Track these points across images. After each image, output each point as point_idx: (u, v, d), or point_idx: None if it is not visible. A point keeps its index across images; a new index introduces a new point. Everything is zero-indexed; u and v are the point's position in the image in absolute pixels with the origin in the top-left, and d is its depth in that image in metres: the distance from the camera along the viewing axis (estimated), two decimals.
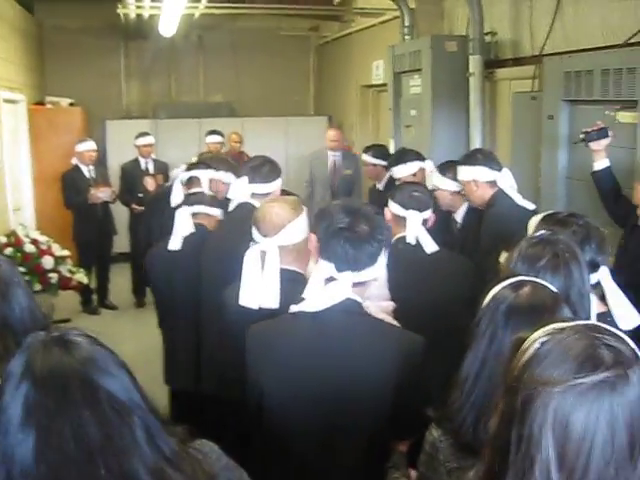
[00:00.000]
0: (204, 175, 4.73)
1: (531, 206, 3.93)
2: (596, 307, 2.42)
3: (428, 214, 3.51)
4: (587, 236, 2.59)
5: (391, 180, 5.40)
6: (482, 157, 4.13)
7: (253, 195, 3.64)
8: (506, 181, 4.06)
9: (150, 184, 7.64)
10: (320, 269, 2.24)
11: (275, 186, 3.71)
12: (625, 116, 4.37)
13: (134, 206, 7.91)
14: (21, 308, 2.11)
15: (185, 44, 11.80)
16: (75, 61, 11.11)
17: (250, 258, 2.67)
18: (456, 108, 6.52)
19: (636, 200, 3.80)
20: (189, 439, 1.53)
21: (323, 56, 12.27)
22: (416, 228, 3.42)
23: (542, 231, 2.40)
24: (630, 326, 2.57)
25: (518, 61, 6.26)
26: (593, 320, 2.21)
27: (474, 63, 6.31)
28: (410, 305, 3.11)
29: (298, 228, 2.69)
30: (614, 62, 4.37)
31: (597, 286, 2.64)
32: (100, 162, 8.58)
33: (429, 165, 5.01)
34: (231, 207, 3.75)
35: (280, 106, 11.69)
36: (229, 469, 1.60)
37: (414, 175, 4.97)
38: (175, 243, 4.08)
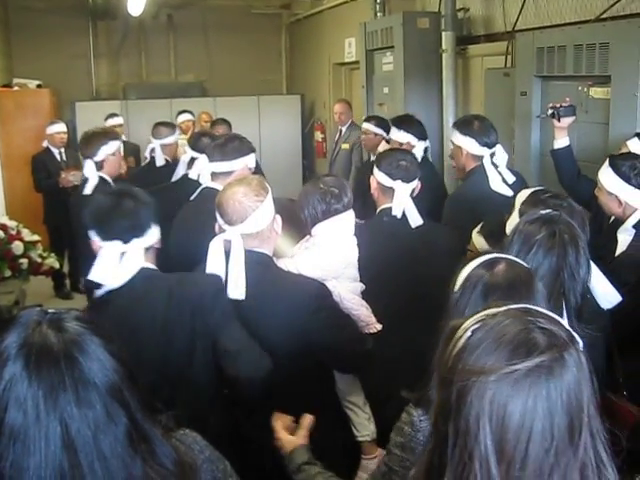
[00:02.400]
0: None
1: (508, 192, 3.82)
2: None
3: (415, 183, 3.42)
4: (570, 217, 2.57)
5: None
6: (477, 128, 4.02)
7: (213, 174, 3.52)
8: (496, 158, 3.98)
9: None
10: None
11: (238, 165, 3.54)
12: (598, 92, 4.36)
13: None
14: None
15: (155, 23, 11.65)
16: (43, 42, 10.90)
17: (214, 248, 2.58)
18: (429, 85, 6.49)
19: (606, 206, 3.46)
20: (174, 428, 1.52)
21: (295, 34, 12.15)
22: (404, 200, 3.34)
23: (548, 210, 2.38)
24: (610, 304, 2.56)
25: (490, 37, 6.23)
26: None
27: (446, 40, 6.27)
28: (392, 280, 3.10)
29: (263, 215, 2.60)
30: (586, 37, 4.34)
31: None
32: (70, 144, 8.44)
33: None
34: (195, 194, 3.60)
35: (252, 85, 11.57)
36: (212, 461, 1.58)
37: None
38: None
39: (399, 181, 3.36)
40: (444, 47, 6.28)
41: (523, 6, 5.58)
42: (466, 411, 1.11)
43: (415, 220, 3.34)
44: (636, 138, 3.66)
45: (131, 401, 1.32)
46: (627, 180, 3.26)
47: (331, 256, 2.94)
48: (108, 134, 4.89)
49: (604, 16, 4.66)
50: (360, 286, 3.03)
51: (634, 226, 3.26)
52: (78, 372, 1.27)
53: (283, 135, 11.10)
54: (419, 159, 4.75)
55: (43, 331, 1.29)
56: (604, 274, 2.74)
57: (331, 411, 2.82)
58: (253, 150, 3.68)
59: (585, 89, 4.48)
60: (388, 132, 5.53)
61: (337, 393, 2.97)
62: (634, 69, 3.96)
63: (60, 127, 7.79)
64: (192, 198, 3.59)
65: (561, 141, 4.05)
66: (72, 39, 11.32)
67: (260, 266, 2.57)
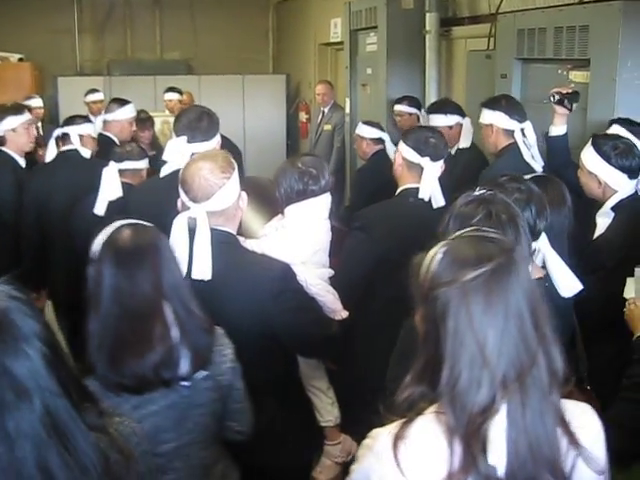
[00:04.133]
0: (74, 131, 4.48)
1: (538, 167, 3.82)
2: (534, 273, 2.35)
3: (441, 163, 3.30)
4: (528, 202, 2.49)
5: None
6: (505, 103, 3.98)
7: (193, 155, 3.30)
8: (526, 133, 3.92)
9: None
10: None
11: (216, 141, 3.40)
12: (577, 75, 4.31)
13: None
14: None
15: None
16: (26, 16, 10.77)
17: (178, 225, 2.47)
18: (412, 66, 6.42)
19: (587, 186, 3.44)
20: (111, 417, 1.47)
21: (282, 14, 12.04)
22: (432, 181, 3.19)
23: (482, 190, 2.32)
24: (570, 293, 2.53)
25: (474, 19, 6.17)
26: None
27: (430, 21, 6.20)
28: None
29: (229, 192, 2.50)
30: (567, 20, 4.28)
31: (536, 253, 2.60)
32: (53, 120, 8.34)
33: (467, 122, 4.75)
34: (165, 172, 3.40)
35: (238, 64, 11.47)
36: (148, 452, 1.57)
37: (450, 129, 4.70)
38: (100, 207, 3.85)
39: (427, 158, 3.22)
40: (428, 28, 6.21)
41: None
42: (451, 316, 1.38)
43: (438, 201, 3.21)
44: (615, 125, 3.62)
45: (46, 389, 1.25)
46: (608, 160, 3.23)
47: (301, 241, 2.87)
48: (8, 109, 4.75)
49: None
50: (328, 272, 2.97)
51: (612, 208, 3.23)
52: None
53: (268, 115, 11.01)
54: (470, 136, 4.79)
55: None
56: (581, 257, 2.73)
57: (294, 395, 2.78)
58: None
59: (565, 72, 4.44)
60: (420, 110, 5.70)
61: (301, 377, 2.93)
62: (613, 53, 3.91)
63: (36, 102, 7.56)
64: (163, 174, 3.43)
65: (559, 128, 3.90)
66: (56, 13, 11.22)
67: (224, 245, 2.49)
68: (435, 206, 3.18)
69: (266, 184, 3.13)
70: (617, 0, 3.92)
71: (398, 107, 5.90)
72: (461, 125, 4.85)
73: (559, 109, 3.86)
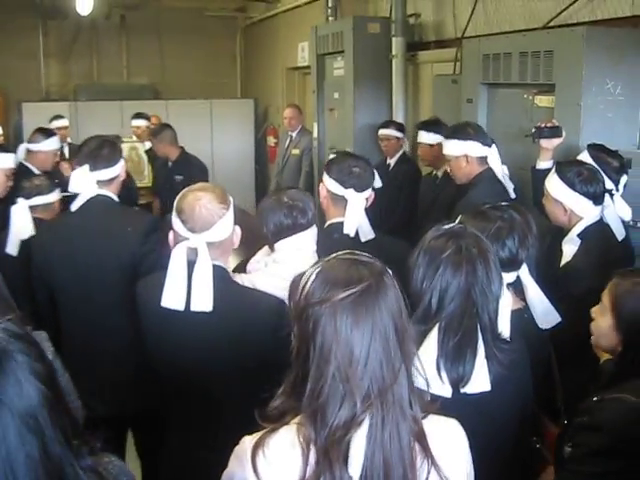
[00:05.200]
0: None
1: (511, 190, 3.77)
2: (512, 303, 2.31)
3: (368, 193, 3.19)
4: (511, 231, 2.47)
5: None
6: (473, 131, 3.92)
7: (98, 182, 3.24)
8: (495, 159, 3.88)
9: (66, 169, 7.31)
10: None
11: (120, 168, 3.33)
12: (543, 100, 4.33)
13: None
14: None
15: (107, 24, 11.50)
16: None
17: (177, 256, 2.39)
18: (379, 91, 6.44)
19: (552, 214, 3.39)
20: (99, 455, 1.43)
21: (250, 37, 12.05)
22: (357, 213, 3.10)
23: (452, 224, 2.28)
24: (549, 325, 2.50)
25: (440, 44, 6.21)
26: (506, 318, 2.15)
27: (397, 45, 6.24)
28: None
29: (228, 223, 2.45)
30: (532, 45, 4.29)
31: (517, 282, 2.57)
32: (15, 147, 8.20)
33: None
34: (78, 202, 3.27)
35: (206, 88, 11.43)
36: None
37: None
38: (12, 247, 3.73)
39: (351, 190, 3.12)
40: (394, 52, 6.24)
41: (472, 13, 5.55)
42: (319, 333, 1.45)
43: (366, 233, 3.12)
44: (586, 152, 3.61)
45: (46, 430, 1.22)
46: (572, 186, 3.20)
47: (293, 275, 2.82)
48: None
49: (552, 24, 4.64)
50: None
51: (579, 235, 3.21)
52: None
53: (236, 139, 10.98)
54: None
55: None
56: (548, 285, 2.69)
57: None
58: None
59: (530, 97, 4.45)
60: (404, 134, 5.77)
61: None
62: (577, 78, 3.92)
63: None
64: (75, 208, 3.29)
65: (545, 163, 3.85)
66: (21, 37, 11.12)
67: (219, 279, 2.41)
68: (363, 239, 3.10)
69: (239, 215, 3.06)
70: (580, 25, 3.93)
71: (385, 131, 5.85)
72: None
73: (543, 143, 3.85)
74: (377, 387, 1.45)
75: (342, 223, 3.13)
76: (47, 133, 5.54)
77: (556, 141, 3.84)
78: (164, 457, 2.65)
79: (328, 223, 3.23)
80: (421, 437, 1.51)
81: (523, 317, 2.50)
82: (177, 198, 2.48)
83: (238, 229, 2.53)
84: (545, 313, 2.55)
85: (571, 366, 2.88)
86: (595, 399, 2.13)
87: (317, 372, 1.46)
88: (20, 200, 3.86)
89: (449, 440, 1.59)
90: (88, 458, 1.35)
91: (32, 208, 3.86)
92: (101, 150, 3.28)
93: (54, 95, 11.50)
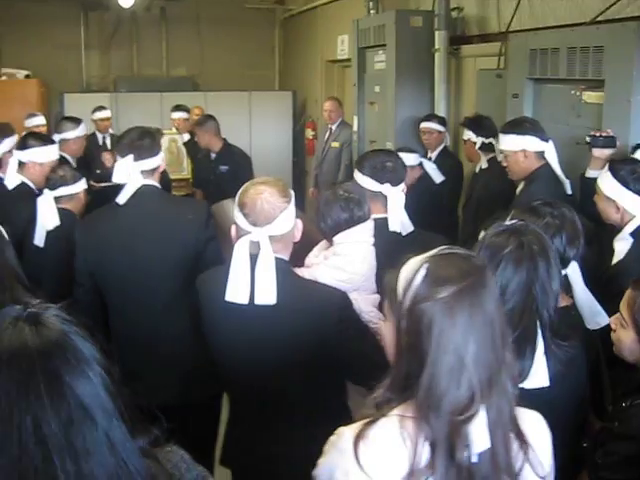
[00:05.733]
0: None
1: (569, 190, 3.74)
2: (560, 301, 2.31)
3: (403, 186, 3.23)
4: (560, 228, 2.46)
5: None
6: (530, 125, 3.90)
7: (142, 172, 3.25)
8: (552, 154, 3.86)
9: (108, 160, 7.39)
10: None
11: (161, 158, 3.35)
12: (591, 96, 4.27)
13: (92, 183, 7.67)
14: None
15: (148, 16, 11.56)
16: (32, 32, 10.79)
17: (240, 249, 2.41)
18: (420, 84, 6.40)
19: (604, 213, 3.37)
20: (161, 445, 1.47)
21: (288, 30, 12.05)
22: (399, 207, 3.11)
23: (514, 220, 2.28)
24: (597, 326, 2.48)
25: (484, 38, 6.14)
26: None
27: (439, 39, 6.19)
28: None
29: (289, 217, 2.46)
30: (580, 40, 4.25)
31: (565, 281, 2.55)
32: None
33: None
34: (127, 194, 3.26)
35: (244, 80, 11.45)
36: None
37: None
38: (39, 238, 3.77)
39: (387, 184, 3.15)
40: (437, 46, 6.20)
41: (517, 7, 5.49)
42: (437, 325, 1.48)
43: (406, 227, 3.13)
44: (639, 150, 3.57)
45: (105, 415, 1.26)
46: (625, 185, 3.18)
47: (353, 267, 2.83)
48: (4, 131, 4.66)
49: (599, 19, 4.58)
50: (378, 298, 2.91)
51: (631, 234, 3.18)
52: (54, 378, 1.21)
53: (274, 132, 10.98)
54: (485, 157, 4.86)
55: (19, 330, 1.24)
56: (599, 284, 2.66)
57: (344, 423, 2.73)
58: None
59: (578, 93, 4.39)
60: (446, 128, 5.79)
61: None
62: (628, 74, 3.87)
63: (38, 120, 7.47)
64: (125, 199, 3.27)
65: (595, 172, 3.74)
66: (63, 29, 11.22)
67: (281, 272, 2.42)
68: (404, 233, 3.13)
69: None
70: (632, 21, 3.88)
71: (427, 124, 5.86)
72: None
73: (596, 152, 3.79)
74: (489, 375, 1.50)
75: (382, 219, 3.14)
76: (75, 120, 5.63)
77: (608, 151, 3.77)
78: (228, 449, 2.69)
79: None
80: (516, 425, 1.57)
81: (570, 314, 2.48)
82: (239, 192, 2.49)
83: (300, 222, 2.54)
84: (593, 314, 2.53)
85: (621, 366, 2.86)
86: (625, 404, 2.12)
87: (434, 365, 1.48)
88: (45, 191, 3.91)
89: (537, 432, 1.64)
90: (147, 445, 1.38)
91: (57, 199, 3.89)
92: (143, 140, 3.31)
93: (94, 86, 11.60)
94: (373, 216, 3.17)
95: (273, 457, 2.51)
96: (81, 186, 4.06)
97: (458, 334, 1.48)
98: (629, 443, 2.00)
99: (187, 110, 8.47)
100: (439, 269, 1.53)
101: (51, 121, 8.26)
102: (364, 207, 2.91)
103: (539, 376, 2.04)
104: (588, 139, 3.81)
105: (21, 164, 4.28)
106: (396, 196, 3.14)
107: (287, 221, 2.45)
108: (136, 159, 3.24)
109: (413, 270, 1.54)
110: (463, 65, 6.51)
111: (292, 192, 2.53)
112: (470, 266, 1.56)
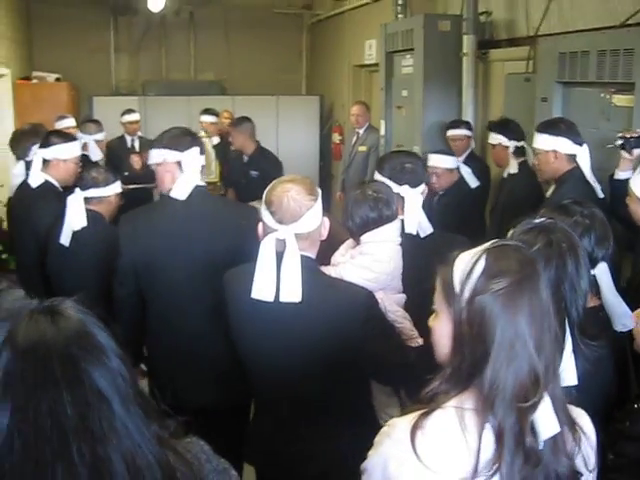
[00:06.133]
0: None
1: (600, 193, 3.71)
2: (588, 301, 2.30)
3: (422, 188, 3.19)
4: (589, 228, 2.45)
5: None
6: (565, 127, 3.89)
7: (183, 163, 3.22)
8: (585, 158, 3.83)
9: (136, 162, 7.46)
10: None
11: (204, 159, 3.33)
12: (621, 99, 4.24)
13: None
14: None
15: (176, 20, 11.66)
16: (63, 35, 10.93)
17: (266, 247, 2.42)
18: (448, 89, 6.38)
19: (637, 214, 3.32)
20: (180, 436, 1.49)
21: (316, 35, 12.09)
22: (416, 210, 3.09)
23: (542, 218, 2.27)
24: (624, 328, 2.46)
25: (513, 42, 6.12)
26: None
27: (468, 43, 6.17)
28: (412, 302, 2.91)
29: (315, 215, 2.45)
30: (611, 43, 4.22)
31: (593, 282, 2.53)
32: None
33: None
34: (184, 190, 3.22)
35: (272, 85, 11.50)
36: (219, 472, 1.53)
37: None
38: (65, 237, 3.74)
39: (406, 186, 3.11)
40: (465, 50, 6.18)
41: (546, 11, 5.46)
42: (499, 316, 1.50)
43: (425, 229, 3.11)
44: None
45: (127, 399, 1.28)
46: None
47: (380, 266, 2.83)
48: (39, 133, 4.68)
49: (630, 22, 4.55)
50: (403, 297, 2.91)
51: None
52: (73, 370, 1.23)
53: (301, 136, 11.03)
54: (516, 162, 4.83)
55: (38, 323, 1.25)
56: (630, 287, 2.64)
57: (369, 423, 2.73)
58: None
59: (608, 96, 4.37)
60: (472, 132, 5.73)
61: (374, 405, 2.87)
62: None
63: (68, 122, 7.50)
64: (184, 195, 3.22)
65: (625, 173, 3.75)
66: (93, 33, 11.36)
67: (308, 270, 2.44)
68: (422, 235, 3.10)
69: None
70: None
71: (455, 132, 5.84)
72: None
73: (624, 154, 3.76)
74: (550, 362, 1.55)
75: (401, 221, 3.09)
76: (97, 123, 5.74)
77: (638, 151, 3.73)
78: (252, 446, 2.70)
79: None
80: (570, 416, 1.62)
81: (598, 315, 2.47)
82: (266, 190, 2.50)
83: (327, 221, 2.54)
84: (620, 316, 2.51)
85: None
86: (637, 405, 2.11)
87: (498, 354, 1.50)
88: (76, 190, 3.89)
89: (585, 426, 1.67)
90: (165, 436, 1.39)
91: (87, 200, 3.87)
92: (183, 137, 3.29)
93: (123, 90, 11.72)
94: None
95: (297, 455, 2.52)
96: (113, 189, 4.00)
97: (521, 323, 1.50)
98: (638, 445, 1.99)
99: (216, 114, 8.51)
100: (497, 261, 1.56)
101: (80, 124, 8.32)
102: (392, 207, 2.91)
103: (568, 375, 2.02)
104: (620, 141, 3.76)
105: (45, 162, 4.31)
106: (414, 198, 3.11)
107: (313, 219, 2.45)
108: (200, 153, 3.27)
109: (471, 262, 1.57)
110: (491, 69, 6.48)
111: (319, 190, 2.53)
112: (524, 257, 1.59)
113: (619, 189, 3.68)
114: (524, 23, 5.86)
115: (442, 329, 1.64)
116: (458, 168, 5.48)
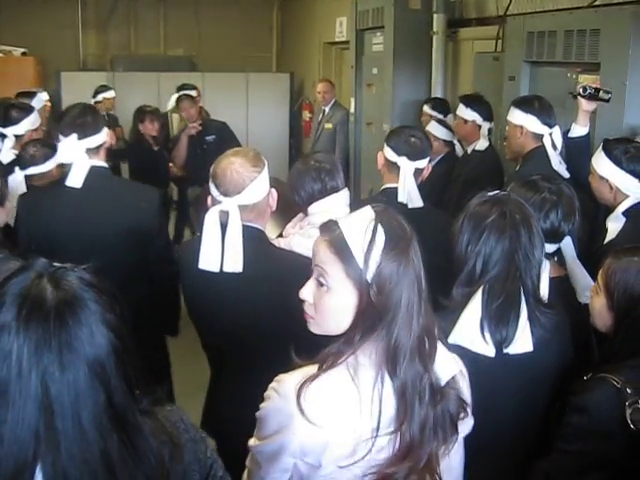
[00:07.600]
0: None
1: (565, 173, 3.72)
2: (552, 271, 2.39)
3: (422, 163, 3.28)
4: (556, 204, 2.54)
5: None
6: (538, 106, 3.89)
7: (88, 151, 3.20)
8: (554, 139, 3.83)
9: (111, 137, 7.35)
10: None
11: (105, 134, 3.29)
12: (587, 79, 4.28)
13: None
14: None
15: None
16: (29, 10, 10.76)
17: (210, 219, 2.48)
18: (418, 67, 6.40)
19: (598, 192, 3.36)
20: (163, 403, 1.52)
21: (287, 11, 12.03)
22: (408, 180, 3.20)
23: (497, 191, 2.32)
24: (587, 300, 2.51)
25: (482, 21, 6.15)
26: (545, 283, 2.19)
27: (438, 22, 6.20)
28: None
29: (260, 186, 2.50)
30: (578, 23, 4.26)
31: (558, 254, 2.60)
32: (54, 116, 8.27)
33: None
34: (78, 175, 3.19)
35: (242, 61, 11.44)
36: (196, 441, 1.56)
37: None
38: (11, 218, 3.56)
39: (404, 157, 3.23)
40: (435, 29, 6.20)
41: None
42: (404, 280, 1.60)
43: (414, 201, 3.20)
44: None
45: (112, 379, 1.29)
46: (619, 164, 3.19)
47: None
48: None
49: (597, 3, 4.60)
50: None
51: (624, 213, 3.21)
52: (65, 335, 1.25)
53: (271, 113, 11.00)
54: (486, 141, 4.79)
55: (42, 284, 1.27)
56: (589, 262, 2.70)
57: None
58: None
59: (574, 76, 4.42)
60: (446, 115, 5.57)
61: None
62: (624, 57, 3.88)
63: (44, 96, 7.42)
64: (79, 182, 3.19)
65: (581, 129, 3.76)
66: (60, 7, 11.20)
67: (254, 241, 2.50)
68: (410, 206, 3.19)
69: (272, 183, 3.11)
70: (629, 4, 3.89)
71: (427, 110, 5.73)
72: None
73: (586, 105, 3.73)
74: (431, 316, 1.67)
75: (394, 188, 3.26)
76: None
77: (593, 105, 3.73)
78: (209, 417, 2.74)
79: (382, 188, 3.39)
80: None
81: (563, 284, 2.54)
82: (213, 164, 2.56)
83: (274, 192, 2.60)
84: (584, 287, 2.58)
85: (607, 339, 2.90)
86: (585, 378, 2.18)
87: (402, 317, 1.59)
88: (16, 170, 3.79)
89: (463, 370, 1.80)
90: (145, 404, 1.42)
91: (29, 177, 3.79)
92: (85, 117, 3.25)
93: (91, 65, 11.59)
94: (386, 185, 3.33)
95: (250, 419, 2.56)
96: (53, 163, 3.85)
97: (414, 284, 1.61)
98: (581, 415, 2.06)
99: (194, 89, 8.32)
100: (392, 229, 1.63)
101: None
102: (336, 177, 2.95)
103: (523, 341, 2.10)
104: (589, 91, 3.67)
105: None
106: (407, 169, 3.22)
107: (258, 190, 2.50)
108: (80, 137, 3.20)
109: (370, 233, 1.62)
110: (460, 48, 6.52)
111: (265, 161, 2.57)
112: (401, 221, 1.67)
113: (576, 146, 3.76)
114: (494, 2, 5.89)
115: (340, 301, 1.65)
116: (453, 144, 5.42)
